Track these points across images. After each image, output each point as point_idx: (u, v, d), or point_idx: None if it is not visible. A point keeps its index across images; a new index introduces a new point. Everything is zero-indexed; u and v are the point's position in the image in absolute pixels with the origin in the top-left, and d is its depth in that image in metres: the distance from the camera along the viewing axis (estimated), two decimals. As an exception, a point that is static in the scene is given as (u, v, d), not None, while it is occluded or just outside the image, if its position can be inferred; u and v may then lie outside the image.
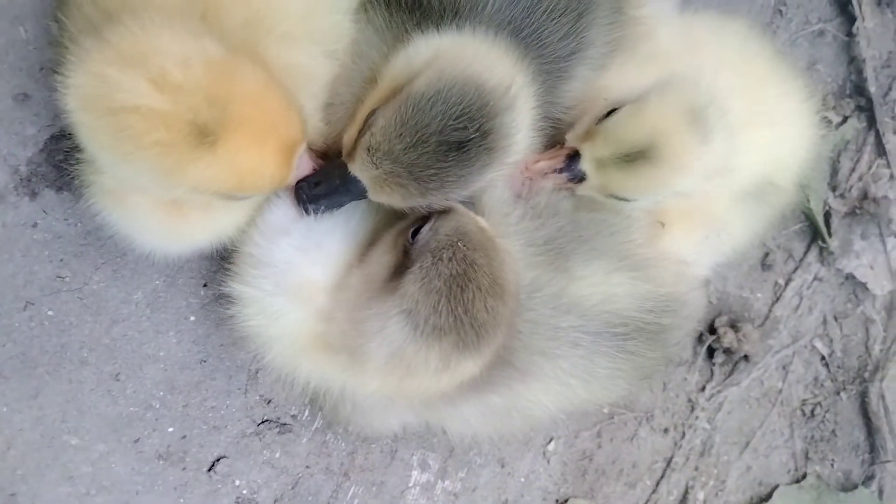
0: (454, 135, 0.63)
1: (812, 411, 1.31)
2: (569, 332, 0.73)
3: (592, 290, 0.74)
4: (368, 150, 0.64)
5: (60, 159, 0.81)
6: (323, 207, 0.69)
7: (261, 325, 0.73)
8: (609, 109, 0.74)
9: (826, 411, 1.31)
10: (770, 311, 1.27)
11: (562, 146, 0.76)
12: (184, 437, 0.89)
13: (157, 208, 0.71)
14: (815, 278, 1.28)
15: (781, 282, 1.26)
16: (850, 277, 1.28)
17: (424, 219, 0.68)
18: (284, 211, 0.73)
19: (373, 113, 0.64)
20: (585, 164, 0.74)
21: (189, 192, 0.63)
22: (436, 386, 0.64)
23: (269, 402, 0.93)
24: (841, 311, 1.32)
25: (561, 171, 0.74)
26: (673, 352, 0.92)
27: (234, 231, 0.77)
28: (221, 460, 0.91)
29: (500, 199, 0.73)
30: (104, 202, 0.73)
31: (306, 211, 0.69)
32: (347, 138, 0.67)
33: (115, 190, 0.70)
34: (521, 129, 0.68)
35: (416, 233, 0.66)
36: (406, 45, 0.69)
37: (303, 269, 0.71)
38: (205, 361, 0.90)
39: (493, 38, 0.68)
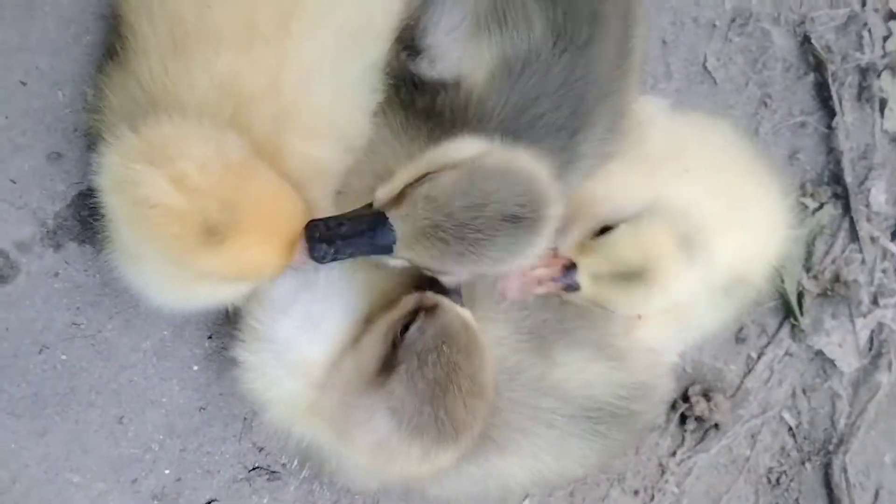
0: (513, 209, 0.68)
1: (777, 479, 1.35)
2: (546, 413, 0.79)
3: (571, 376, 0.79)
4: (426, 198, 0.67)
5: (86, 215, 0.86)
6: (335, 251, 0.69)
7: (260, 389, 0.78)
8: (602, 226, 0.79)
9: (791, 480, 1.35)
10: (742, 382, 1.32)
11: (555, 254, 0.80)
12: (178, 479, 0.93)
13: (169, 273, 0.76)
14: (786, 353, 1.33)
15: (754, 355, 1.31)
16: (819, 354, 1.33)
17: (413, 314, 0.73)
18: (285, 289, 0.78)
19: (423, 176, 0.68)
20: (582, 278, 0.78)
21: (196, 276, 0.69)
22: (416, 472, 0.70)
23: (262, 449, 0.97)
24: (809, 385, 1.37)
25: (556, 280, 0.78)
26: (639, 436, 0.98)
27: (237, 298, 0.82)
28: (213, 503, 0.95)
29: (492, 286, 0.78)
30: (122, 259, 0.78)
31: (316, 251, 0.69)
32: (394, 184, 0.70)
33: (135, 253, 0.75)
34: (552, 229, 0.73)
35: (405, 328, 0.72)
36: (420, 145, 0.74)
37: (302, 348, 0.76)
38: (204, 409, 0.95)
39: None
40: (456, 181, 0.68)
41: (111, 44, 0.84)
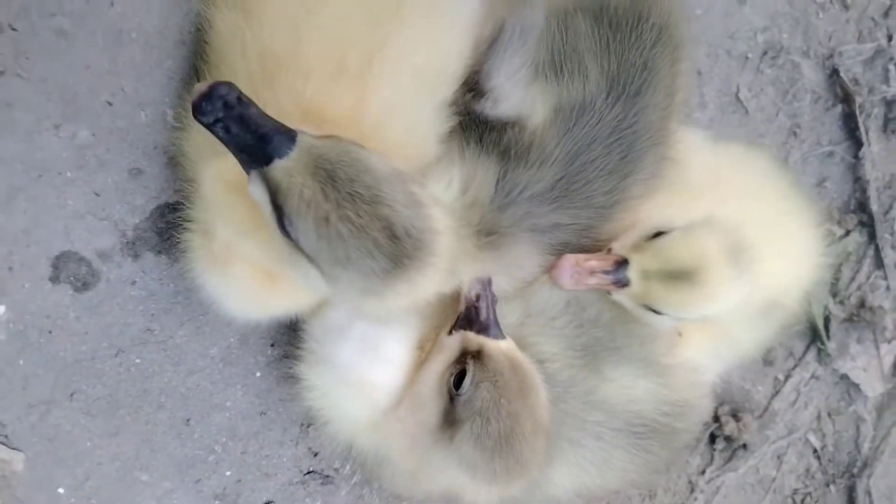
0: None
1: (802, 501, 1.37)
2: (594, 426, 0.82)
3: (620, 391, 0.83)
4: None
5: (162, 227, 0.91)
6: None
7: (322, 407, 0.82)
8: (656, 231, 0.84)
9: (815, 501, 1.37)
10: (769, 403, 1.35)
11: (609, 251, 0.85)
12: (239, 480, 0.97)
13: (253, 277, 0.81)
14: (812, 376, 1.35)
15: (781, 377, 1.34)
16: (844, 378, 1.35)
17: (462, 361, 0.77)
18: (342, 313, 0.82)
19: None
20: (632, 273, 0.83)
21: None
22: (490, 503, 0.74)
23: (316, 454, 1.01)
24: (835, 408, 1.39)
25: (608, 273, 0.82)
26: (679, 454, 1.01)
27: (304, 309, 0.86)
28: None
29: (548, 303, 0.83)
30: (204, 266, 0.82)
31: (209, 114, 0.64)
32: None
33: (220, 256, 0.80)
34: None
35: (459, 381, 0.77)
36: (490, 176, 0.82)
37: (362, 371, 0.81)
38: (264, 414, 0.99)
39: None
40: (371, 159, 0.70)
41: (195, 68, 0.90)
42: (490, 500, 0.75)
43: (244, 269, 0.80)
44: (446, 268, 0.71)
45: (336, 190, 0.63)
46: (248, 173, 0.66)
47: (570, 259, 0.81)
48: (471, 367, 0.77)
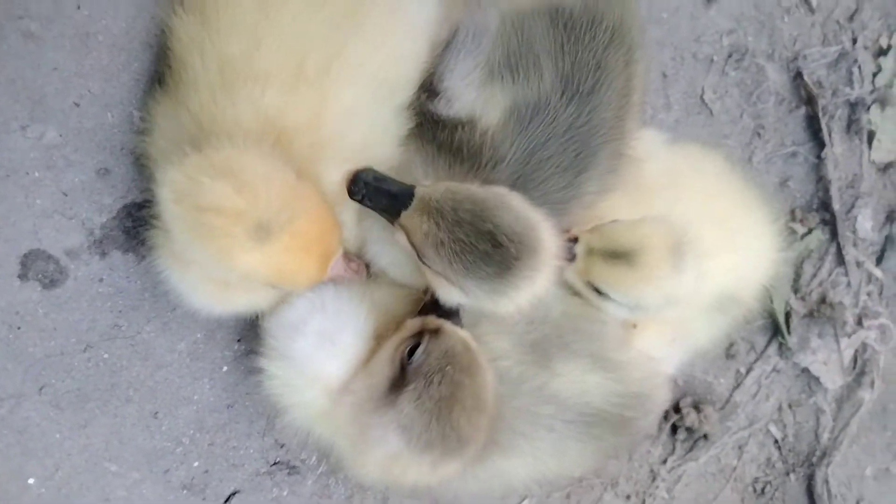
0: (500, 237, 0.78)
1: (763, 489, 1.40)
2: (546, 419, 0.86)
3: (569, 385, 0.86)
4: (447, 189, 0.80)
5: (129, 226, 0.93)
6: (365, 193, 0.82)
7: (281, 395, 0.86)
8: (613, 220, 0.89)
9: (775, 490, 1.40)
10: (731, 395, 1.38)
11: (567, 230, 0.90)
12: (206, 471, 1.00)
13: (209, 278, 0.83)
14: (773, 369, 1.39)
15: (743, 370, 1.37)
16: (805, 371, 1.38)
17: (419, 336, 0.81)
18: (300, 310, 0.86)
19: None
20: (579, 248, 0.88)
21: (239, 277, 0.76)
22: (425, 481, 0.77)
23: (283, 446, 1.04)
24: (795, 400, 1.42)
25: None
26: (634, 439, 1.04)
27: (267, 306, 0.89)
28: (237, 494, 1.02)
29: None
30: (168, 264, 0.85)
31: (355, 192, 0.82)
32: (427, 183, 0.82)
33: (179, 256, 0.83)
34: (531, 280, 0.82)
35: (412, 351, 0.80)
36: (442, 175, 0.84)
37: (318, 363, 0.84)
38: (231, 406, 1.01)
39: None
40: (471, 190, 0.78)
41: (160, 72, 0.92)
42: (423, 473, 0.77)
43: (199, 270, 0.83)
44: (554, 261, 0.82)
45: (444, 219, 0.77)
46: (393, 225, 0.82)
47: None
48: (426, 340, 0.81)
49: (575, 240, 0.88)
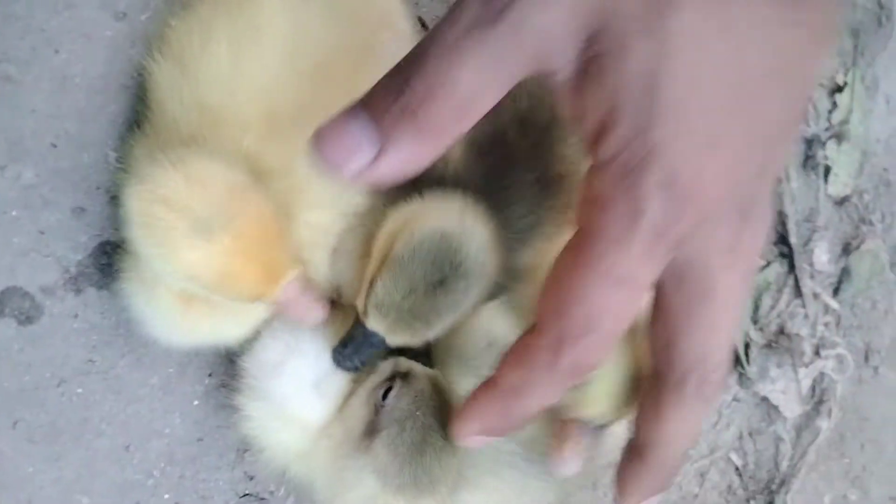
0: (435, 276, 0.80)
1: None
2: (507, 456, 0.89)
3: (532, 427, 0.90)
4: (377, 307, 0.80)
5: (104, 263, 0.97)
6: (357, 362, 0.85)
7: (257, 434, 0.89)
8: None
9: None
10: None
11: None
12: (177, 503, 1.02)
13: (174, 302, 0.86)
14: (734, 399, 1.44)
15: (704, 399, 1.42)
16: (764, 400, 1.44)
17: (391, 380, 0.85)
18: (276, 352, 0.88)
19: (373, 280, 0.81)
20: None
21: (182, 279, 0.78)
22: None
23: (252, 478, 1.07)
24: (755, 428, 1.47)
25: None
26: (597, 469, 1.07)
27: (235, 339, 0.92)
28: None
29: (468, 344, 0.89)
30: (134, 289, 0.88)
31: (348, 369, 0.86)
32: (359, 303, 0.83)
33: (147, 280, 0.86)
34: (486, 254, 0.83)
35: (385, 394, 0.84)
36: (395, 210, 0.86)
37: (296, 406, 0.87)
38: (201, 440, 1.04)
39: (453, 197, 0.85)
40: (385, 281, 0.80)
41: (137, 113, 0.95)
42: None
43: (165, 294, 0.86)
44: None
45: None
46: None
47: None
48: (397, 384, 0.85)
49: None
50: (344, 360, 0.84)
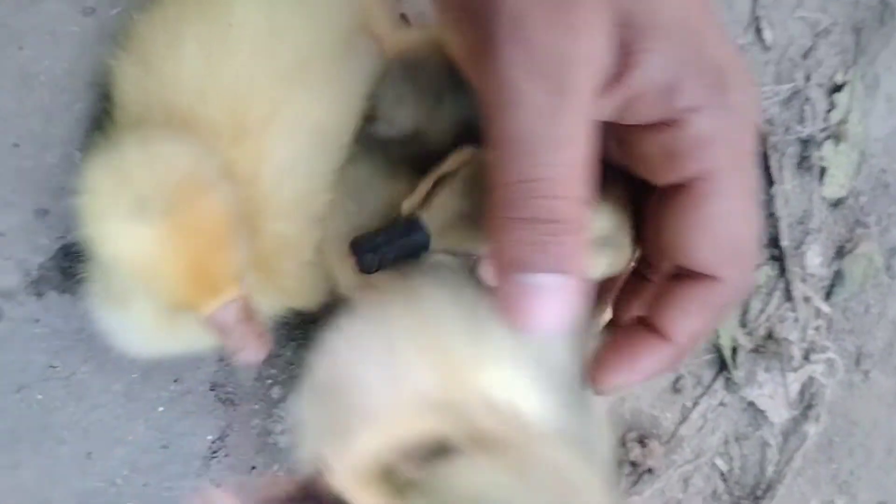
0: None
1: None
2: None
3: None
4: (451, 189, 0.75)
5: (66, 266, 0.96)
6: (380, 259, 0.74)
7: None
8: None
9: None
10: (676, 429, 1.43)
11: None
12: (141, 511, 1.02)
13: (155, 315, 0.85)
14: (720, 403, 1.43)
15: (689, 404, 1.41)
16: (751, 405, 1.43)
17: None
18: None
19: (440, 180, 0.77)
20: None
21: (110, 262, 0.75)
22: None
23: (219, 486, 1.06)
24: (742, 433, 1.47)
25: None
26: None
27: (200, 348, 0.92)
28: None
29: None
30: (106, 305, 0.86)
31: (363, 261, 0.74)
32: (412, 200, 0.78)
33: (120, 294, 0.84)
34: None
35: None
36: (402, 188, 0.82)
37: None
38: (166, 447, 1.04)
39: None
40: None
41: (105, 112, 0.93)
42: None
43: (144, 307, 0.84)
44: None
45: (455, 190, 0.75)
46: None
47: None
48: None
49: None
50: (372, 252, 0.73)
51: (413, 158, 0.88)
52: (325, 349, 0.74)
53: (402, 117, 0.90)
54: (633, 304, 0.78)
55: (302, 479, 0.70)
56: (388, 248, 0.74)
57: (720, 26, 0.55)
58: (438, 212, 0.75)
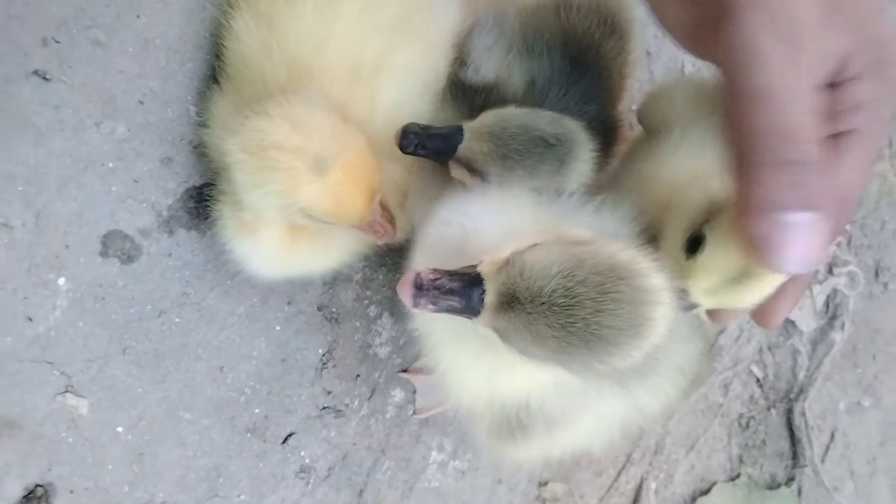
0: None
1: (747, 423, 1.57)
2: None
3: None
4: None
5: (192, 207, 1.09)
6: (424, 145, 0.91)
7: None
8: (688, 234, 0.81)
9: (758, 424, 1.57)
10: (716, 339, 1.56)
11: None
12: (266, 416, 1.17)
13: (279, 241, 0.98)
14: (753, 315, 1.56)
15: (726, 316, 1.54)
16: (782, 315, 1.56)
17: None
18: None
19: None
20: (696, 297, 0.80)
21: (300, 213, 0.88)
22: None
23: (330, 392, 1.21)
24: (774, 342, 1.60)
25: None
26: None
27: (326, 269, 1.06)
28: (292, 436, 1.19)
29: None
30: (236, 233, 0.98)
31: (408, 143, 0.91)
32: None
33: (250, 224, 0.96)
34: None
35: None
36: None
37: None
38: (284, 360, 1.18)
39: None
40: (511, 111, 0.90)
41: (213, 69, 1.07)
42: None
43: (271, 234, 0.97)
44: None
45: (499, 137, 0.88)
46: (448, 165, 0.93)
47: None
48: None
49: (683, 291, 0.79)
50: (414, 132, 0.89)
51: (491, 108, 0.97)
52: (438, 217, 0.87)
53: (487, 66, 1.03)
54: None
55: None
56: (428, 140, 0.90)
57: (881, 8, 0.62)
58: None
